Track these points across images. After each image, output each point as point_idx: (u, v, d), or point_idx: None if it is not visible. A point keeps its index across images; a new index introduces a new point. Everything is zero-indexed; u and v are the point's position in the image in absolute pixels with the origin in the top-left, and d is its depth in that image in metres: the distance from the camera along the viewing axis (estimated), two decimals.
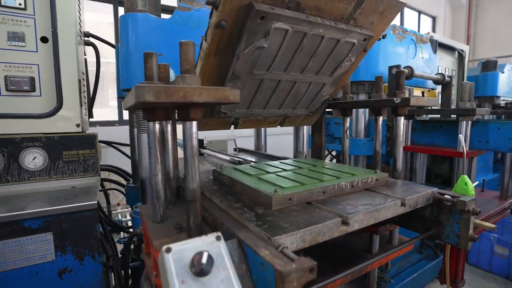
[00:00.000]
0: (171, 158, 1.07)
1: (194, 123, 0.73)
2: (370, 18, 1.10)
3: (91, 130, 1.98)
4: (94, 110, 2.10)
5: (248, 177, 1.07)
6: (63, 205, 1.13)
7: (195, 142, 0.74)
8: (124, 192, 2.10)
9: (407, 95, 1.23)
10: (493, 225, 2.02)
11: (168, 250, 0.52)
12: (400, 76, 1.27)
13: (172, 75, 1.37)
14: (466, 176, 1.16)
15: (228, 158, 1.79)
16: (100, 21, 4.99)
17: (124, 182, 2.52)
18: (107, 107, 5.41)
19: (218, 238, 0.56)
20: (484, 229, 2.03)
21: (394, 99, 1.21)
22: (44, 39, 1.40)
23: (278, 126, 1.49)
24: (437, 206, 1.10)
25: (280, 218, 0.78)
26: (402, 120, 1.28)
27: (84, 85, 1.69)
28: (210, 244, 0.55)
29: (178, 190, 1.16)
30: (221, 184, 1.15)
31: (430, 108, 2.37)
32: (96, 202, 1.20)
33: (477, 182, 1.59)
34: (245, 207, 0.87)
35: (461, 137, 1.27)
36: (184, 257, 0.52)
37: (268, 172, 1.15)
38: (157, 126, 0.85)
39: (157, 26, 1.31)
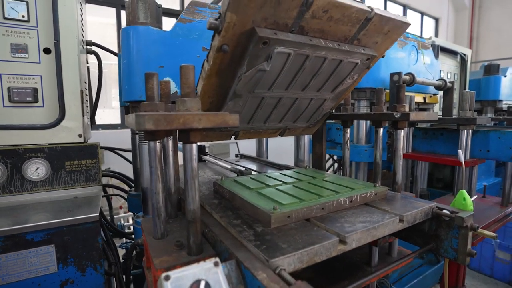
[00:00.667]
0: (172, 172, 1.08)
1: (194, 146, 0.75)
2: (375, 38, 1.10)
3: (93, 134, 2.00)
4: (96, 112, 2.12)
5: (248, 191, 1.08)
6: (65, 217, 1.15)
7: (195, 164, 0.75)
8: (126, 198, 2.11)
9: (407, 109, 1.23)
10: (493, 234, 2.01)
11: (167, 278, 0.53)
12: (400, 90, 1.27)
13: (173, 87, 1.39)
14: (464, 191, 1.16)
15: (229, 166, 1.80)
16: (105, 22, 5.02)
17: (126, 187, 2.54)
18: (109, 108, 5.44)
19: (216, 264, 0.57)
20: (484, 237, 2.03)
21: (394, 113, 1.22)
22: (47, 51, 1.41)
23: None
24: (436, 220, 1.10)
25: (279, 238, 0.79)
26: (402, 134, 1.29)
27: (86, 95, 1.71)
28: (208, 271, 0.56)
29: (179, 203, 1.17)
30: (222, 197, 1.16)
31: None
32: (98, 214, 1.21)
33: (475, 196, 1.59)
34: (244, 225, 0.88)
35: (460, 152, 1.27)
36: (182, 284, 0.53)
37: (268, 186, 1.16)
38: (158, 145, 0.86)
39: (158, 38, 1.32)
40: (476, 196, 1.65)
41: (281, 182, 1.20)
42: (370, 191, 1.09)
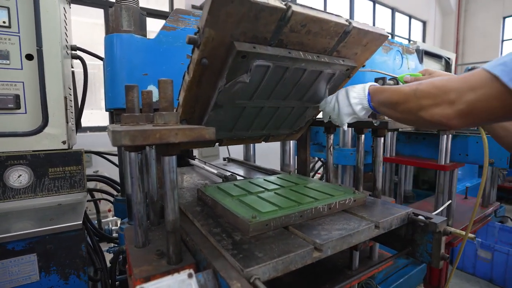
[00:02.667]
0: (155, 180, 1.10)
1: (173, 158, 0.76)
2: (354, 50, 1.14)
3: (81, 137, 1.98)
4: (84, 113, 2.10)
5: (230, 199, 1.10)
6: (48, 226, 1.14)
7: (174, 176, 0.77)
8: (112, 203, 2.10)
9: (386, 118, 1.28)
10: (472, 235, 2.09)
11: None
12: None
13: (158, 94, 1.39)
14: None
15: (215, 171, 1.82)
16: (92, 22, 4.96)
17: (114, 191, 2.53)
18: (98, 109, 5.36)
19: (189, 276, 0.59)
20: (463, 239, 2.10)
21: (374, 121, 1.26)
22: (29, 57, 1.40)
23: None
24: (412, 226, 1.14)
25: (256, 246, 0.81)
26: (381, 141, 1.33)
27: (71, 101, 1.70)
28: (182, 283, 0.58)
29: (162, 211, 1.18)
30: (204, 205, 1.18)
31: None
32: (81, 222, 1.21)
33: None
34: (224, 233, 0.90)
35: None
36: None
37: (250, 193, 1.18)
38: (139, 155, 0.87)
39: (142, 46, 1.33)
40: None
41: (264, 189, 1.22)
42: (348, 198, 1.12)
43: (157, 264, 0.82)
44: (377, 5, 8.94)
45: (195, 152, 3.36)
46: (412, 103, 0.79)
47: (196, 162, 2.22)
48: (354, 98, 1.04)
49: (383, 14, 9.30)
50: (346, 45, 1.11)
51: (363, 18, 8.66)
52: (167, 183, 0.77)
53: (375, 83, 1.09)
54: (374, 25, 9.09)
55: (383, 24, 9.29)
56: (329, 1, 7.79)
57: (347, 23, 1.02)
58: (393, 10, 9.42)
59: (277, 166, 2.02)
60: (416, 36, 10.48)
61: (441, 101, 0.71)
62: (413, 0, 9.66)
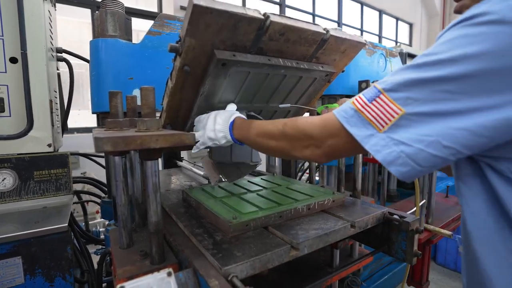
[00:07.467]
0: (139, 183, 1.12)
1: (155, 162, 0.79)
2: (332, 56, 1.19)
3: (69, 138, 1.97)
4: (71, 113, 2.09)
5: (213, 201, 1.14)
6: (33, 229, 1.15)
7: (155, 180, 0.80)
8: (100, 205, 2.11)
9: None
10: (449, 232, 2.17)
11: None
12: None
13: None
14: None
15: (202, 173, 1.85)
16: (79, 22, 4.90)
17: (102, 193, 2.52)
18: (85, 109, 5.30)
19: (169, 274, 0.63)
20: (442, 236, 2.18)
21: None
22: (13, 60, 1.40)
23: None
24: (387, 224, 1.20)
25: (235, 246, 0.85)
26: None
27: (56, 103, 1.70)
28: (161, 281, 0.61)
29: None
30: (189, 206, 1.21)
31: None
32: (67, 225, 1.23)
33: None
34: (205, 234, 0.94)
35: None
36: None
37: (233, 194, 1.22)
38: (123, 159, 0.90)
39: (128, 51, 1.35)
40: None
41: (246, 191, 1.26)
42: (327, 199, 1.17)
43: (141, 264, 0.85)
44: (365, 8, 9.10)
45: (185, 152, 3.36)
46: (284, 143, 0.82)
47: (183, 163, 2.24)
48: (218, 125, 0.97)
49: (371, 16, 9.47)
50: (325, 52, 1.16)
51: (351, 20, 8.80)
52: (149, 186, 0.80)
53: (242, 116, 1.01)
54: (362, 27, 9.23)
55: (370, 26, 9.45)
56: (318, 3, 7.88)
57: (324, 32, 1.07)
58: (381, 12, 9.60)
59: (265, 166, 2.07)
60: (403, 38, 10.70)
61: (308, 144, 0.76)
62: (400, 3, 9.87)
